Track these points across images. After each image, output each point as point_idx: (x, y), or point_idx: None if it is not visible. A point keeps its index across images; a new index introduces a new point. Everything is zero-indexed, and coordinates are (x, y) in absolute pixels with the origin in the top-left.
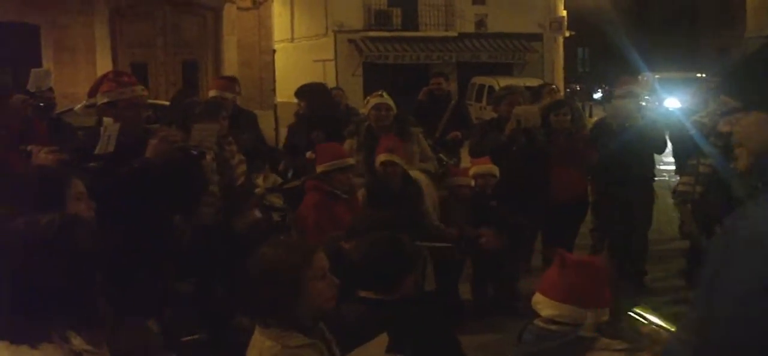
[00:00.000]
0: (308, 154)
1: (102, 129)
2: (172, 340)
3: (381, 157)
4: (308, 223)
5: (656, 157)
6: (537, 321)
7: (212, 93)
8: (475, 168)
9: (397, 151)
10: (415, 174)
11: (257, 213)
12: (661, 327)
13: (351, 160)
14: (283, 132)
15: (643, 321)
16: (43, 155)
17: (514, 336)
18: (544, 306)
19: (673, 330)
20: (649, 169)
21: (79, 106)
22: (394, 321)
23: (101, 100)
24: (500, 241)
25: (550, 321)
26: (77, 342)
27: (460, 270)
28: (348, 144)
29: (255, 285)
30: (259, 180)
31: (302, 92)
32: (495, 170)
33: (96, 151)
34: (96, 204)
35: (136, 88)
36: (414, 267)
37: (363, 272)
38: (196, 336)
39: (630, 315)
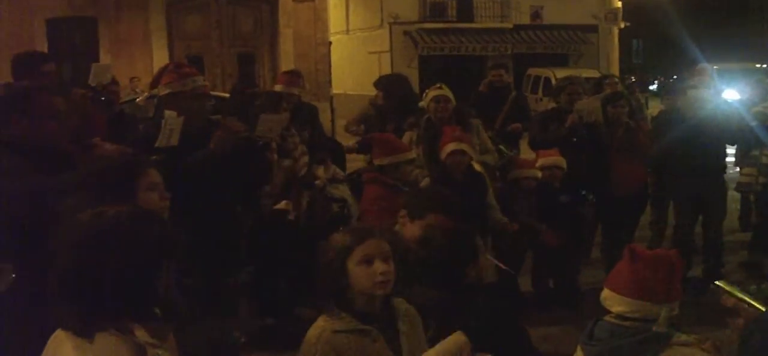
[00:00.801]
0: (352, 144)
1: (163, 122)
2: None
3: (450, 147)
4: (369, 217)
5: None
6: (608, 318)
7: (278, 88)
8: (542, 159)
9: (465, 140)
10: (474, 166)
11: (287, 205)
12: (745, 301)
13: (412, 154)
14: (340, 123)
15: (728, 294)
16: (106, 147)
17: (574, 328)
18: (614, 302)
19: (758, 306)
20: (722, 159)
21: (141, 97)
22: (458, 311)
23: (163, 91)
24: (561, 239)
25: (622, 317)
26: (141, 334)
27: (520, 262)
28: (408, 136)
29: (319, 270)
30: (320, 172)
31: (380, 82)
32: (562, 162)
33: (157, 144)
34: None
35: (197, 78)
36: (477, 258)
37: (428, 262)
38: (267, 321)
39: (714, 286)
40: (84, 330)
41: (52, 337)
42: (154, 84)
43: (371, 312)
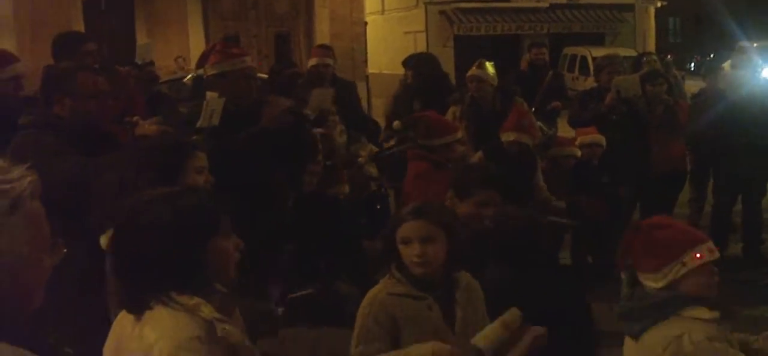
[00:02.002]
0: (395, 124)
1: (205, 103)
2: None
3: (511, 136)
4: (411, 195)
5: None
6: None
7: (313, 62)
8: (581, 138)
9: (529, 131)
10: None
11: (346, 188)
12: None
13: (459, 133)
14: (376, 103)
15: None
16: (146, 126)
17: (612, 303)
18: (645, 280)
19: None
20: (764, 138)
21: (187, 77)
22: (528, 292)
23: (210, 71)
24: (601, 211)
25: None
26: (207, 310)
27: (561, 238)
28: (451, 112)
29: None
30: (362, 150)
31: (409, 61)
32: (602, 140)
33: (198, 125)
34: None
35: (246, 58)
36: (546, 241)
37: (500, 243)
38: (308, 291)
39: None
40: (141, 308)
41: (117, 319)
42: (200, 64)
43: (430, 281)
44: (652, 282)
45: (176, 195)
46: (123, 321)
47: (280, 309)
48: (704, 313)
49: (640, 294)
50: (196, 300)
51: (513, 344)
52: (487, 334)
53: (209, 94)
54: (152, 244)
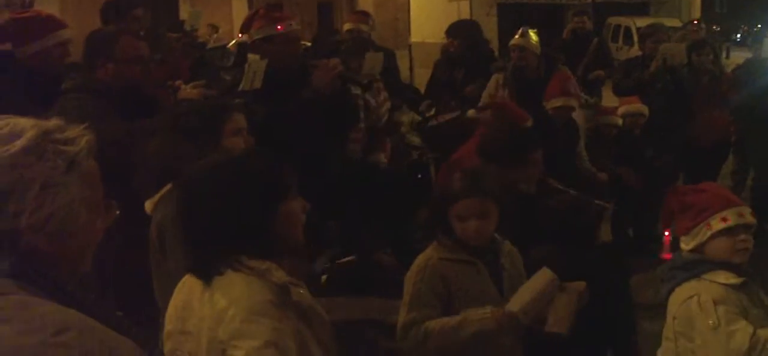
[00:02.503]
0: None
1: (247, 65)
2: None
3: (558, 101)
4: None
5: None
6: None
7: (347, 26)
8: (624, 107)
9: (573, 96)
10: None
11: (384, 158)
12: None
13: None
14: (419, 72)
15: None
16: (189, 90)
17: (652, 276)
18: (682, 242)
19: None
20: None
21: (231, 42)
22: (573, 268)
23: (257, 35)
24: (640, 181)
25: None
26: (279, 274)
27: (600, 215)
28: (494, 79)
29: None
30: (404, 118)
31: (452, 30)
32: (644, 109)
33: (240, 88)
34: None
35: (291, 22)
36: (595, 223)
37: (551, 223)
38: (349, 259)
39: None
40: (211, 274)
41: (182, 281)
42: (244, 29)
43: (477, 245)
44: (684, 244)
45: (246, 158)
46: (188, 285)
47: (323, 277)
48: (724, 277)
49: (676, 257)
50: (267, 263)
51: (551, 303)
52: (520, 298)
53: (250, 57)
54: (223, 208)
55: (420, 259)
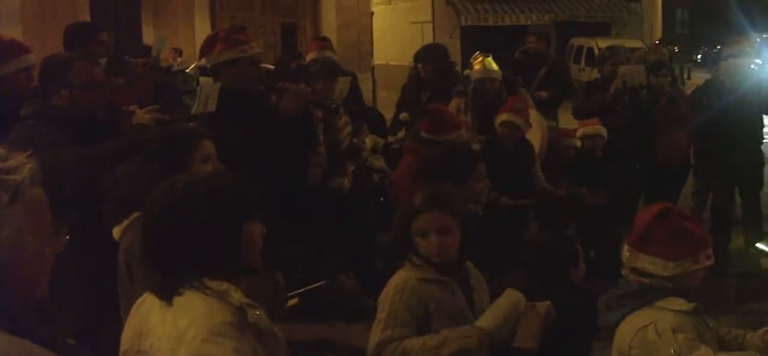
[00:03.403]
0: (402, 116)
1: (199, 88)
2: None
3: (504, 116)
4: (404, 193)
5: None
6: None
7: (312, 55)
8: (583, 129)
9: (521, 114)
10: (535, 124)
11: (346, 182)
12: None
13: (462, 134)
14: (381, 94)
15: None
16: (142, 115)
17: None
18: (651, 264)
19: None
20: (759, 130)
21: (191, 67)
22: (545, 297)
23: (217, 59)
24: (601, 199)
25: (637, 272)
26: (237, 295)
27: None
28: (455, 103)
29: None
30: (367, 142)
31: (423, 54)
32: (603, 131)
33: (193, 111)
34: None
35: (252, 45)
36: (578, 262)
37: (533, 255)
38: (319, 284)
39: (754, 249)
40: (172, 294)
41: (139, 301)
42: (204, 53)
43: (449, 266)
44: (660, 269)
45: (209, 179)
46: (146, 304)
47: (292, 301)
48: (678, 304)
49: (622, 283)
50: (226, 285)
51: (521, 321)
52: (492, 316)
53: (203, 80)
54: (186, 229)
55: (397, 280)
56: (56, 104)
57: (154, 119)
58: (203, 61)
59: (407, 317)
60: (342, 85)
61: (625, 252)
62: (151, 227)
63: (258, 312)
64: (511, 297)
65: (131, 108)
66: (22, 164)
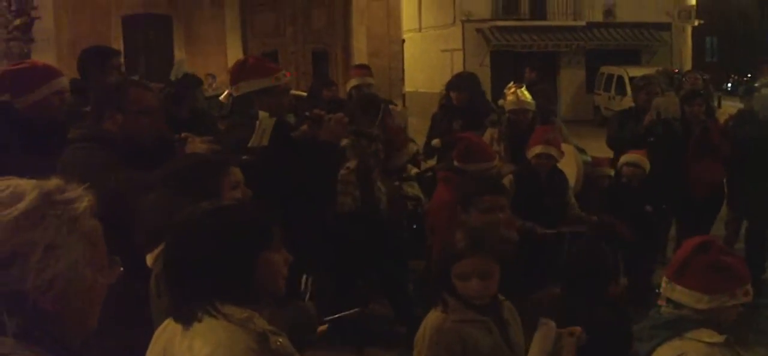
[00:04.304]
0: (434, 142)
1: (258, 123)
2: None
3: (538, 149)
4: (439, 224)
5: None
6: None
7: (353, 82)
8: (626, 156)
9: (554, 144)
10: (570, 156)
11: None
12: None
13: (495, 163)
14: (411, 122)
15: None
16: (198, 144)
17: None
18: (686, 297)
19: None
20: None
21: (223, 95)
22: (577, 321)
23: (253, 87)
24: (631, 235)
25: (674, 303)
26: (260, 322)
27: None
28: (489, 134)
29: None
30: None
31: (455, 83)
32: (646, 164)
33: (250, 144)
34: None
35: (283, 73)
36: (611, 276)
37: (564, 271)
38: (355, 310)
39: None
40: (189, 319)
41: (161, 327)
42: (235, 79)
43: (486, 305)
44: (694, 301)
45: (229, 207)
46: (167, 332)
47: (322, 328)
48: (709, 336)
49: (654, 314)
50: (248, 312)
51: (557, 348)
52: (536, 348)
53: (261, 114)
54: (203, 254)
55: (433, 321)
56: (107, 128)
57: (210, 149)
58: (234, 88)
59: None
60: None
61: (663, 282)
62: (171, 253)
63: (281, 340)
64: (546, 330)
65: (183, 135)
66: (80, 196)
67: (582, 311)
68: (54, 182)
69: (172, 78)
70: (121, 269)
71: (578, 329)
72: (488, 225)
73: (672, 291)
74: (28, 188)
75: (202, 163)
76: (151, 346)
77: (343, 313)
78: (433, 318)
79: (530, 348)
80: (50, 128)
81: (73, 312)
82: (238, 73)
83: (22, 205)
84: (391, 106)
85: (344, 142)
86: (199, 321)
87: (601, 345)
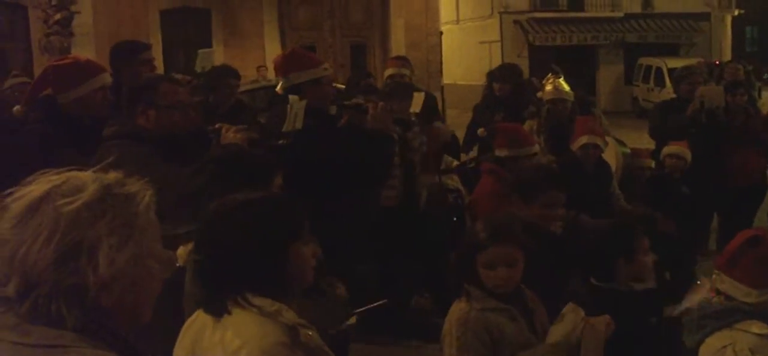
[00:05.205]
0: (480, 131)
1: (289, 106)
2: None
3: (583, 139)
4: (479, 210)
5: None
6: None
7: (389, 72)
8: (667, 148)
9: (598, 133)
10: (609, 148)
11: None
12: None
13: (535, 148)
14: (450, 113)
15: None
16: (232, 135)
17: None
18: (736, 290)
19: None
20: None
21: (279, 85)
22: (606, 309)
23: (303, 78)
24: (671, 226)
25: (725, 295)
26: (289, 315)
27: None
28: (528, 125)
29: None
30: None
31: (498, 74)
32: (688, 155)
33: (284, 129)
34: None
35: (327, 65)
36: (634, 256)
37: (586, 256)
38: (382, 301)
39: None
40: (219, 311)
41: (190, 320)
42: (285, 71)
43: (510, 293)
44: (743, 295)
45: (261, 199)
46: (197, 324)
47: (352, 319)
48: (758, 327)
49: (704, 305)
50: (277, 305)
51: (584, 337)
52: (555, 335)
53: (292, 97)
54: (234, 246)
55: (457, 314)
56: (140, 123)
57: (246, 139)
58: (284, 79)
59: (476, 345)
60: (417, 99)
61: (714, 274)
62: (202, 244)
63: (310, 332)
64: (571, 315)
65: (217, 126)
66: (141, 190)
67: (607, 296)
68: (113, 175)
69: (198, 69)
70: (178, 264)
71: (607, 318)
72: (541, 217)
73: (722, 283)
74: (88, 180)
75: (256, 158)
76: (179, 338)
77: (370, 305)
78: (456, 310)
79: (551, 330)
80: (92, 124)
81: (131, 306)
82: (288, 65)
83: (84, 196)
84: (435, 124)
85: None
86: (230, 313)
87: (628, 332)
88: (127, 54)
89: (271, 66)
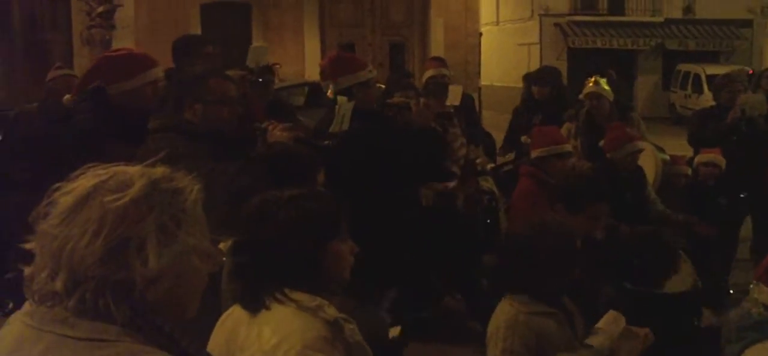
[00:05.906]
0: (523, 138)
1: (337, 107)
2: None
3: (634, 145)
4: (518, 212)
5: None
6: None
7: (429, 73)
8: (700, 156)
9: (639, 137)
10: (648, 155)
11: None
12: None
13: (568, 146)
14: (486, 115)
15: None
16: (278, 133)
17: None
18: (758, 290)
19: None
20: None
21: (329, 89)
22: (641, 313)
23: (355, 80)
24: (712, 231)
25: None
26: (331, 311)
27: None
28: (566, 128)
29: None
30: (483, 162)
31: (538, 76)
32: (721, 161)
33: (331, 129)
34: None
35: (372, 68)
36: (671, 267)
37: (624, 262)
38: (423, 315)
39: None
40: (256, 306)
41: (224, 315)
42: (335, 74)
43: (555, 297)
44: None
45: (301, 195)
46: (232, 319)
47: (398, 329)
48: None
49: (743, 314)
50: (318, 300)
51: (622, 346)
52: (601, 337)
53: (340, 99)
54: (273, 242)
55: (506, 315)
56: (188, 118)
57: (294, 137)
58: (334, 82)
59: (523, 351)
60: (454, 92)
61: (752, 284)
62: (241, 238)
63: (352, 326)
64: (611, 319)
65: (264, 124)
66: (188, 185)
67: (643, 303)
68: (160, 170)
69: (250, 65)
70: (224, 259)
71: (645, 329)
72: (585, 228)
73: (760, 293)
74: (135, 175)
75: (301, 156)
76: (214, 333)
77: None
78: (505, 311)
79: (597, 329)
80: (140, 117)
81: (177, 301)
82: (336, 69)
83: (132, 192)
84: (471, 147)
85: None
86: (267, 308)
87: (664, 336)
88: (184, 47)
89: (310, 62)
